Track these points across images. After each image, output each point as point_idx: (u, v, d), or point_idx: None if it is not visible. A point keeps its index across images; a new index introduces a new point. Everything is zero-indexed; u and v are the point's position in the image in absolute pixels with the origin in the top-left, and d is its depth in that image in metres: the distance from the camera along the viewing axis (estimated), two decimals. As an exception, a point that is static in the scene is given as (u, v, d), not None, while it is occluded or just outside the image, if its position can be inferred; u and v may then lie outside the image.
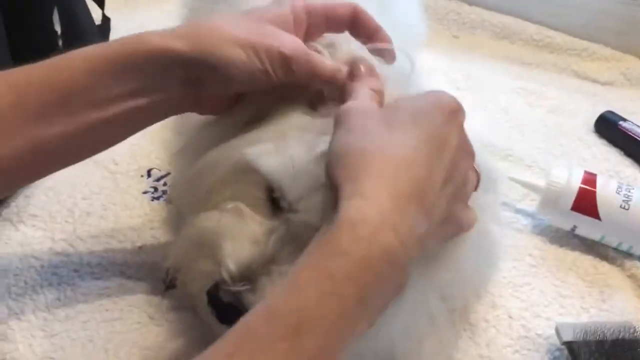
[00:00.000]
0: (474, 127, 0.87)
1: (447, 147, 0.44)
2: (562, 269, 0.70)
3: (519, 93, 0.97)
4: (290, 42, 0.51)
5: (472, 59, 1.04)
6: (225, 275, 0.48)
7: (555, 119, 0.92)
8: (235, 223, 0.50)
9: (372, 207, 0.39)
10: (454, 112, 0.46)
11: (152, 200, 0.74)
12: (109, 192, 0.75)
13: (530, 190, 0.76)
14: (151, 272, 0.66)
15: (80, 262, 0.67)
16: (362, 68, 0.51)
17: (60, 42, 0.74)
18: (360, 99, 0.47)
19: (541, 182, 0.74)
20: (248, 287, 0.48)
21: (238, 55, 0.49)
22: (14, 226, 0.70)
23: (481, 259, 0.59)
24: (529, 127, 0.90)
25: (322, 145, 0.47)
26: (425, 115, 0.44)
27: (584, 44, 1.05)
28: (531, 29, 1.08)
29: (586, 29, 1.06)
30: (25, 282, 0.64)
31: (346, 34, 0.56)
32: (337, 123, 0.45)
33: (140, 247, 0.69)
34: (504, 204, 0.78)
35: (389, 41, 0.55)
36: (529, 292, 0.67)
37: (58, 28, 0.73)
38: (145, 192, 0.75)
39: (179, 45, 0.49)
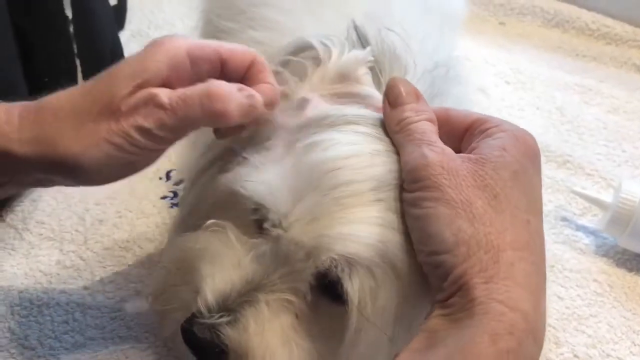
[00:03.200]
0: (528, 128, 0.81)
1: (540, 201, 0.40)
2: (633, 299, 0.62)
3: (574, 90, 0.88)
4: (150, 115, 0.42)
5: (521, 50, 0.95)
6: (201, 306, 0.42)
7: (615, 120, 0.83)
8: (216, 243, 0.44)
9: (516, 315, 0.35)
10: (537, 154, 0.40)
11: (172, 206, 0.67)
12: (124, 197, 0.67)
13: (594, 205, 0.68)
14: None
15: (91, 278, 0.60)
16: (404, 92, 0.42)
17: (71, 28, 0.67)
18: (433, 145, 0.39)
19: (608, 198, 0.66)
20: (227, 319, 0.41)
21: (94, 156, 0.42)
22: (19, 234, 0.64)
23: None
24: (587, 129, 0.82)
25: (297, 154, 0.42)
26: (522, 174, 0.38)
27: (647, 34, 0.95)
28: (586, 16, 0.98)
29: (649, 18, 0.96)
30: (31, 302, 0.58)
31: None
32: (422, 181, 0.38)
33: (158, 262, 0.62)
34: (564, 219, 0.70)
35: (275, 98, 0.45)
36: (595, 325, 0.60)
37: (69, 13, 0.66)
38: (164, 198, 0.68)
39: (17, 147, 0.41)
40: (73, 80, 0.70)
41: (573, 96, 0.87)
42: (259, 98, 0.44)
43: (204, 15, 0.70)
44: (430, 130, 0.40)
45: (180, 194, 0.68)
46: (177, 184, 0.69)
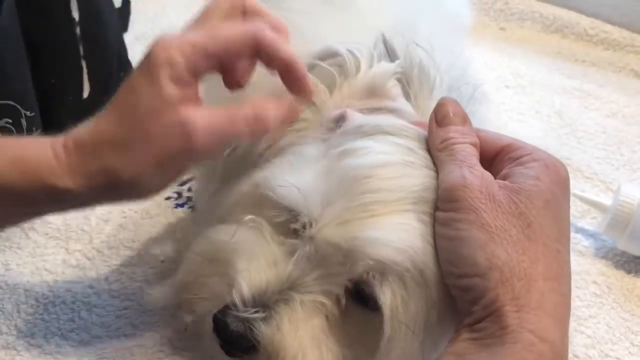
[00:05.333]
0: (527, 131, 0.82)
1: (569, 230, 0.40)
2: (631, 300, 0.63)
3: (573, 94, 0.89)
4: (194, 135, 0.42)
5: (521, 54, 0.96)
6: (237, 299, 0.42)
7: (614, 125, 0.84)
8: (253, 239, 0.45)
9: (545, 345, 0.35)
10: (567, 182, 0.41)
11: (176, 207, 0.68)
12: (128, 197, 0.68)
13: (593, 208, 0.69)
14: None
15: (97, 277, 0.61)
16: (451, 113, 0.43)
17: (78, 31, 0.67)
18: (473, 168, 0.40)
19: (607, 201, 0.67)
20: (262, 315, 0.42)
21: (149, 181, 0.44)
22: (24, 233, 0.64)
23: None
24: (586, 133, 0.83)
25: (330, 160, 0.43)
26: (554, 204, 0.39)
27: (645, 40, 0.96)
28: (585, 22, 0.99)
29: (647, 23, 0.97)
30: (37, 300, 0.58)
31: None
32: (458, 202, 0.38)
33: (162, 262, 0.63)
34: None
35: (305, 78, 0.45)
36: (594, 326, 0.60)
37: (76, 15, 0.66)
38: (168, 198, 0.69)
39: (75, 186, 0.43)
40: (79, 83, 0.70)
41: (572, 100, 0.88)
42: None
43: None
44: (472, 154, 0.41)
45: (185, 193, 0.69)
46: (181, 184, 0.70)
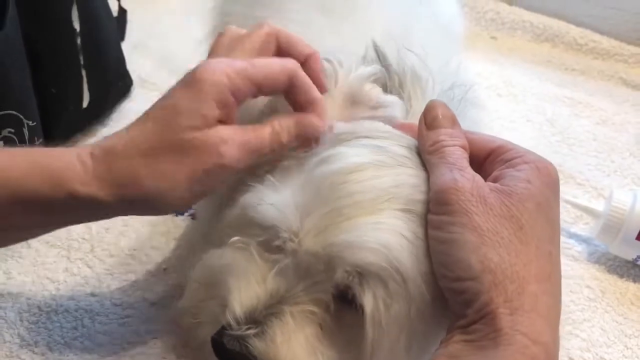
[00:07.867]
0: (519, 139, 0.83)
1: (559, 231, 0.41)
2: (624, 304, 0.64)
3: (564, 102, 0.90)
4: (228, 151, 0.44)
5: (512, 63, 0.98)
6: (230, 319, 0.43)
7: (604, 132, 0.86)
8: (241, 259, 0.46)
9: (538, 348, 0.35)
10: (557, 184, 0.41)
11: (176, 215, 0.69)
12: (129, 206, 0.68)
13: (586, 214, 0.70)
14: (177, 298, 0.60)
15: (99, 285, 0.61)
16: (441, 115, 0.43)
17: (79, 41, 0.68)
18: (464, 171, 0.40)
19: (599, 206, 0.68)
20: (255, 331, 0.43)
21: (177, 195, 0.44)
22: (26, 242, 0.64)
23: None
24: (577, 140, 0.84)
25: (307, 171, 0.44)
26: (546, 206, 0.39)
27: (632, 49, 0.98)
28: (575, 31, 1.01)
29: (635, 33, 0.99)
30: (39, 308, 0.59)
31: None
32: (450, 205, 0.39)
33: (164, 270, 0.63)
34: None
35: (322, 118, 0.47)
36: (589, 329, 0.61)
37: (77, 26, 0.67)
38: (168, 206, 0.69)
39: (101, 193, 0.44)
40: (79, 92, 0.71)
41: (563, 108, 0.89)
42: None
43: (221, 24, 0.69)
44: (462, 157, 0.41)
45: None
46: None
